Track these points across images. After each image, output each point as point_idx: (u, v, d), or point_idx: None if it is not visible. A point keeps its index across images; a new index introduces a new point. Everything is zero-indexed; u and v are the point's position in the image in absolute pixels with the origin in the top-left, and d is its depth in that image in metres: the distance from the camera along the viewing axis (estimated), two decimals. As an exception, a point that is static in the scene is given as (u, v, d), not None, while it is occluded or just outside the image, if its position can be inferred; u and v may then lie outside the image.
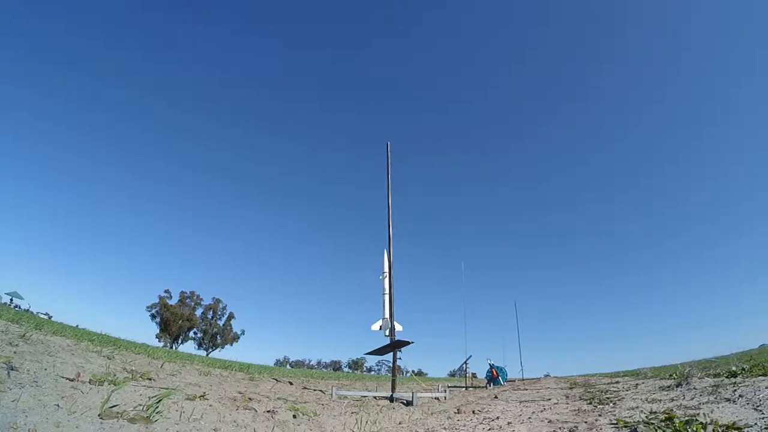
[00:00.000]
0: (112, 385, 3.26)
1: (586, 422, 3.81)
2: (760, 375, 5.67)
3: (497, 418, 4.73)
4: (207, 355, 45.99)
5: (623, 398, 5.83)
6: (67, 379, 3.17)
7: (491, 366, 20.75)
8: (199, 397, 3.83)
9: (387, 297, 9.76)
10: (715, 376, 6.63)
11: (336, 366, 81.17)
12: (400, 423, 4.72)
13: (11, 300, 37.29)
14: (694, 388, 5.52)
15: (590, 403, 5.64)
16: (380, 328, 9.59)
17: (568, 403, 6.06)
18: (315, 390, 8.24)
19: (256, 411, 3.93)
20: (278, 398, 5.49)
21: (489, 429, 3.94)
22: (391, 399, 7.79)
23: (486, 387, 17.81)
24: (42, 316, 25.31)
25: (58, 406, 2.47)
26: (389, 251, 10.09)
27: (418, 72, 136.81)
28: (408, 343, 9.11)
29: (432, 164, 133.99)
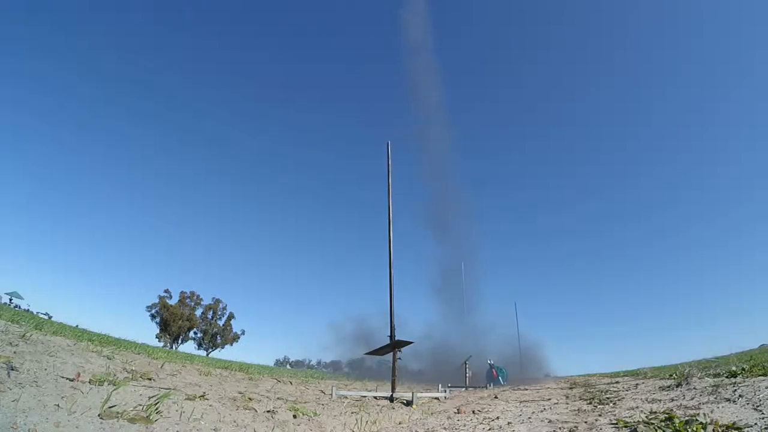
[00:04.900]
0: (112, 385, 3.26)
1: (586, 422, 3.82)
2: (760, 375, 5.67)
3: (497, 418, 4.73)
4: (207, 355, 46.00)
5: (623, 398, 5.83)
6: (67, 379, 3.17)
7: (491, 366, 20.80)
8: (199, 397, 3.83)
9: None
10: (715, 376, 6.63)
11: (336, 366, 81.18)
12: (400, 423, 4.72)
13: (11, 300, 37.22)
14: (694, 388, 5.52)
15: (590, 403, 5.63)
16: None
17: (568, 403, 6.06)
18: (315, 390, 8.24)
19: (256, 411, 3.94)
20: (278, 398, 5.49)
21: (489, 429, 3.94)
22: (391, 399, 7.79)
23: (486, 387, 17.83)
24: (42, 316, 25.26)
25: (58, 406, 2.47)
26: (389, 251, 10.09)
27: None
28: (408, 343, 9.12)
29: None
